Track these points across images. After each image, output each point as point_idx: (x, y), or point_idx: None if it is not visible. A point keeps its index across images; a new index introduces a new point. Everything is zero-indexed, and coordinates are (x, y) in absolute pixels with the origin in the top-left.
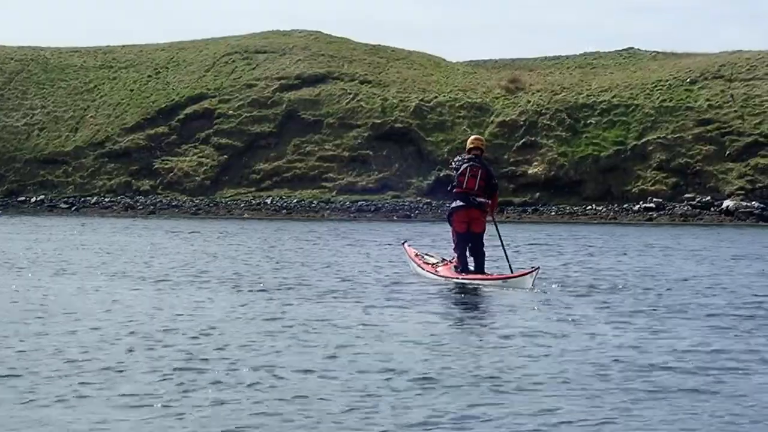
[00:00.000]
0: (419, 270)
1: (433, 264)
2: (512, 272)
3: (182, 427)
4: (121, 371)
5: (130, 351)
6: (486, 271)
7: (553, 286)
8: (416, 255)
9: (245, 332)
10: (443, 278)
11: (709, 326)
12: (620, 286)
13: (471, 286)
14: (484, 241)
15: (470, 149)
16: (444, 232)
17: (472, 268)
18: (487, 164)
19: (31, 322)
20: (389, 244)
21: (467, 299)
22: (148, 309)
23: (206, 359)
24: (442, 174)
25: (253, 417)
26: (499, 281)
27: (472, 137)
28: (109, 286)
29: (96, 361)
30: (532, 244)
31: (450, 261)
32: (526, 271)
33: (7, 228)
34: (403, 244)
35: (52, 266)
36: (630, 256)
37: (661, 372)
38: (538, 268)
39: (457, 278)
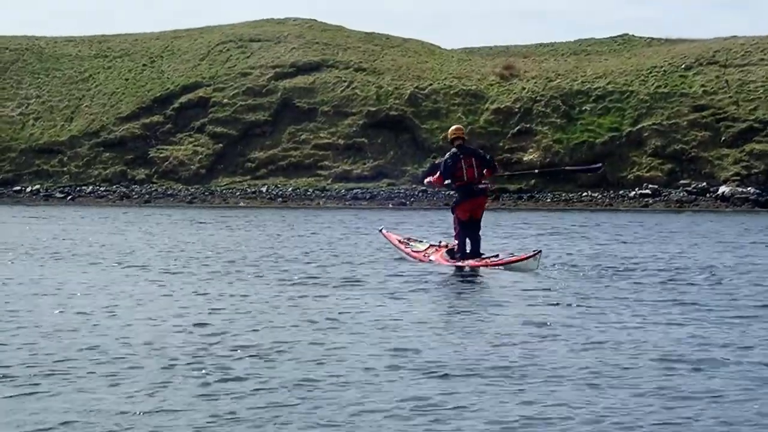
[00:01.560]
0: (409, 258)
1: (423, 251)
2: None
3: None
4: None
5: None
6: (483, 253)
7: (557, 270)
8: (400, 242)
9: (274, 325)
10: (437, 265)
11: (736, 316)
12: (631, 271)
13: (474, 271)
14: (481, 225)
15: (453, 140)
16: (438, 219)
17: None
18: (473, 147)
19: (55, 314)
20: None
21: (475, 285)
22: (165, 299)
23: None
24: (437, 162)
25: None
26: (501, 266)
27: (452, 128)
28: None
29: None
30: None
31: (439, 246)
32: (529, 254)
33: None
34: (380, 231)
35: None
36: (637, 242)
37: (683, 365)
38: (540, 251)
39: (456, 264)
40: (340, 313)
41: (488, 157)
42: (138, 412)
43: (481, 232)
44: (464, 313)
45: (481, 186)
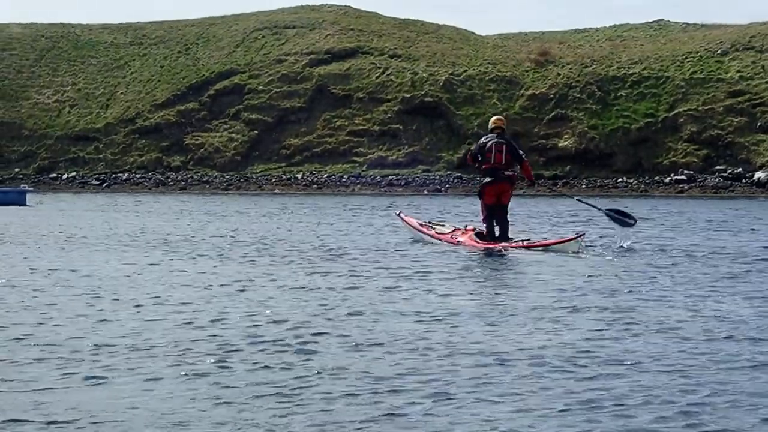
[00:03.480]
0: (434, 241)
1: (449, 233)
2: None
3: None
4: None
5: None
6: (511, 238)
7: (603, 253)
8: (422, 224)
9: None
10: (469, 246)
11: None
12: (678, 256)
13: (516, 255)
14: (509, 210)
15: (492, 129)
16: (473, 206)
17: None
18: (510, 138)
19: (102, 298)
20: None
21: (526, 270)
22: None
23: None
24: (472, 148)
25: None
26: (540, 248)
27: (493, 118)
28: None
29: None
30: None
31: (465, 229)
32: (571, 237)
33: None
34: (398, 214)
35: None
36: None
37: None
38: (583, 234)
39: (492, 246)
40: (429, 304)
41: (522, 152)
42: (272, 413)
43: (509, 217)
44: (501, 297)
45: (507, 173)
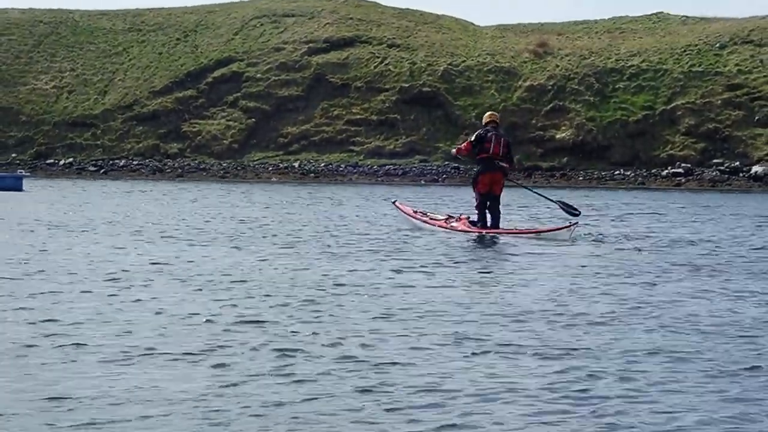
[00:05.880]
0: (427, 226)
1: (445, 219)
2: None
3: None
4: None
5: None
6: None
7: (594, 242)
8: (416, 212)
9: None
10: (462, 232)
11: None
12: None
13: (504, 239)
14: (500, 201)
15: (487, 123)
16: (469, 196)
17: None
18: (504, 134)
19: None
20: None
21: (523, 258)
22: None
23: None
24: (471, 138)
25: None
26: (532, 234)
27: (488, 113)
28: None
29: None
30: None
31: (459, 218)
32: (564, 225)
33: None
34: (394, 203)
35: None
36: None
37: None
38: (577, 222)
39: (486, 231)
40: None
41: (511, 153)
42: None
43: (501, 207)
44: (505, 286)
45: (501, 164)
